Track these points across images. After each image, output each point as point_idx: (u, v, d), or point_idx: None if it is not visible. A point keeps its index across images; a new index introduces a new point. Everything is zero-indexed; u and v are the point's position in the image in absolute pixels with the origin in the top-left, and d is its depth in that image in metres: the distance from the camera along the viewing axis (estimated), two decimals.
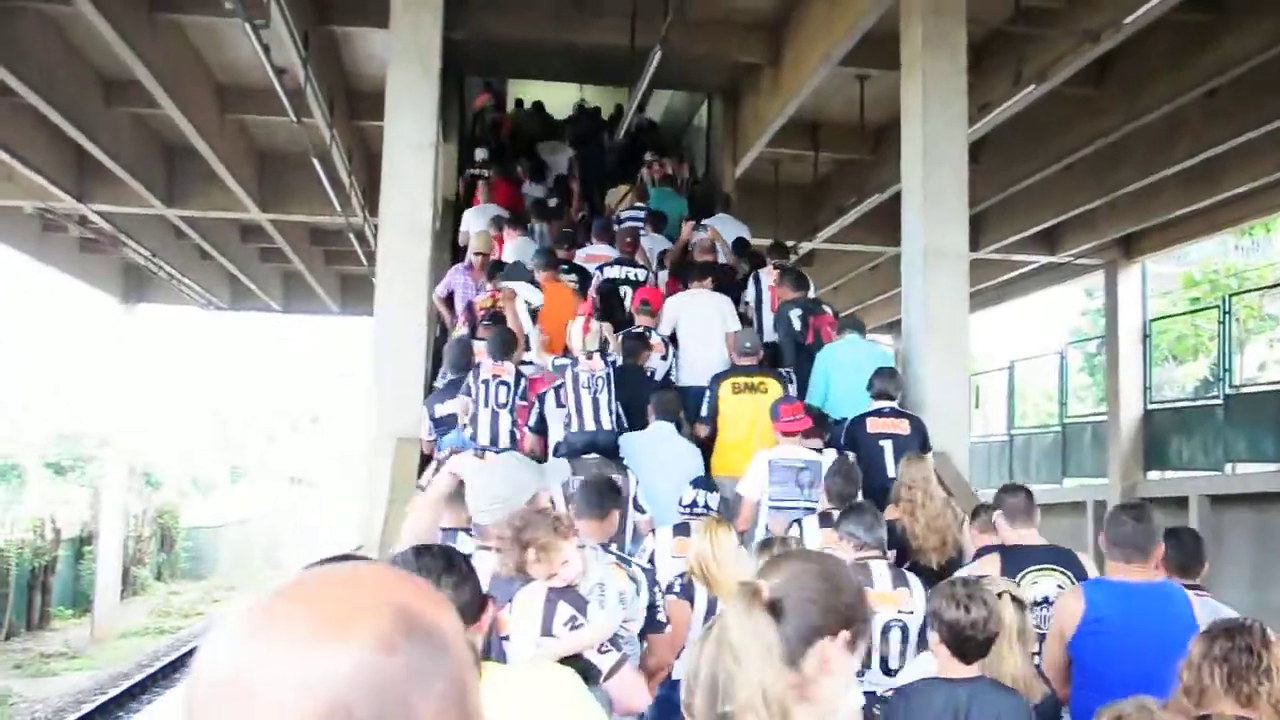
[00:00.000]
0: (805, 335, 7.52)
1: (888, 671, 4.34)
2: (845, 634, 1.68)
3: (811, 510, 5.65)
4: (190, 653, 18.07)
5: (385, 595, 0.76)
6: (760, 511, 5.89)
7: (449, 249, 10.56)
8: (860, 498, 5.39)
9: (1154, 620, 3.77)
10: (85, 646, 19.55)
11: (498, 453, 6.06)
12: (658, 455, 6.22)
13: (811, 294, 8.34)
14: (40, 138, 12.25)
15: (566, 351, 6.83)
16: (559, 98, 15.27)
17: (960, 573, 4.51)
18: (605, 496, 4.40)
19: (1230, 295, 15.40)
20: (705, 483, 5.51)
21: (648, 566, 4.37)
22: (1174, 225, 14.98)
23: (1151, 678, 3.24)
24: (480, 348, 7.03)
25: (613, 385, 6.42)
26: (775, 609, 1.65)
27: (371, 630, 0.73)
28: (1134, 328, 16.51)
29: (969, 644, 3.21)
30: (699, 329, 7.65)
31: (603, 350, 6.70)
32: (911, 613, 4.38)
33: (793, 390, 7.00)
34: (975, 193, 9.26)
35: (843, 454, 6.09)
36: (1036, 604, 4.37)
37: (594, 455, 5.98)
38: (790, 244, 12.37)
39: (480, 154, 12.06)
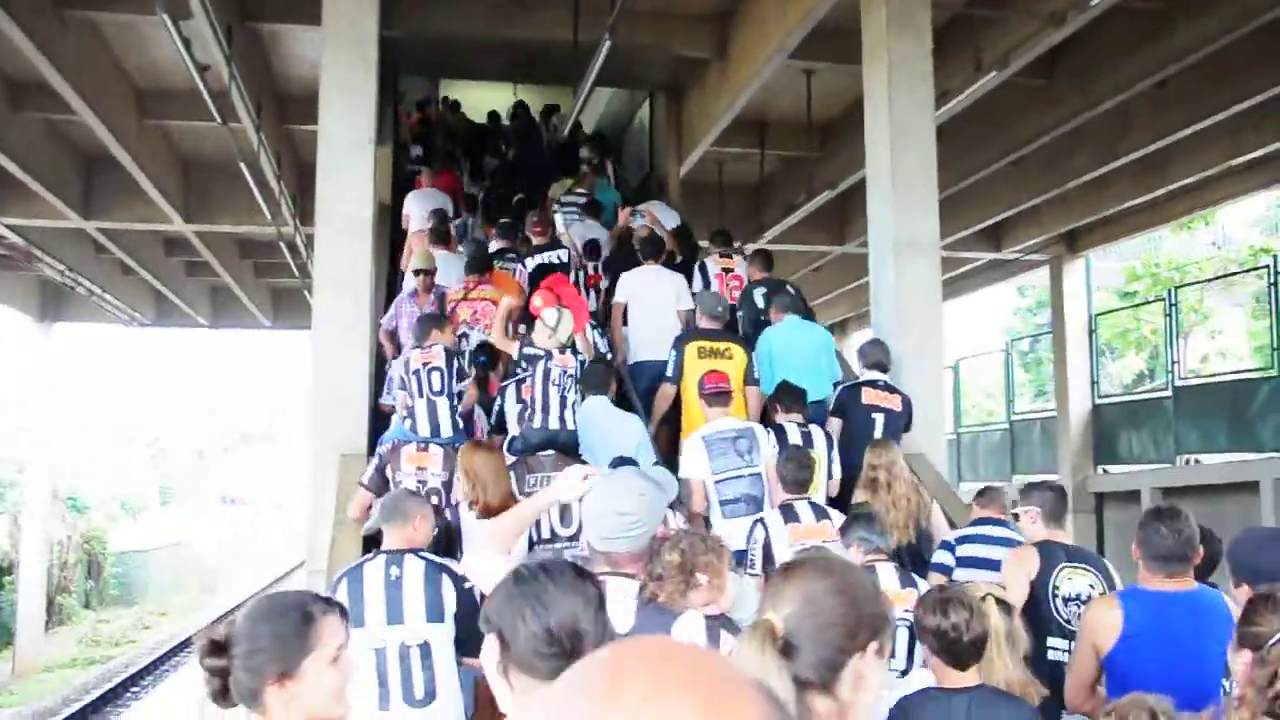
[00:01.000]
0: (767, 312, 7.42)
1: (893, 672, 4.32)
2: (874, 644, 1.61)
3: (758, 475, 5.74)
4: (124, 685, 17.51)
5: (743, 675, 0.75)
6: (708, 489, 5.80)
7: (388, 256, 10.05)
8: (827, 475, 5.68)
9: (1194, 631, 3.59)
10: (7, 681, 18.66)
11: (441, 444, 5.88)
12: (595, 433, 6.02)
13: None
14: None
15: (528, 340, 6.46)
16: (492, 100, 14.86)
17: (1004, 568, 4.64)
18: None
19: (1176, 288, 15.39)
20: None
21: None
22: (1120, 219, 14.96)
23: (1193, 690, 3.12)
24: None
25: (576, 384, 6.18)
26: (789, 650, 1.57)
27: (759, 713, 0.71)
28: (1080, 322, 16.49)
29: (956, 648, 3.13)
30: (653, 306, 7.57)
31: (574, 348, 6.40)
32: None
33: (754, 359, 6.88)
34: None
35: (785, 441, 5.97)
36: (1069, 600, 4.42)
37: (549, 452, 5.71)
38: (736, 243, 12.05)
39: (416, 150, 11.69)
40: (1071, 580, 4.47)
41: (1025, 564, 4.49)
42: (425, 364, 6.24)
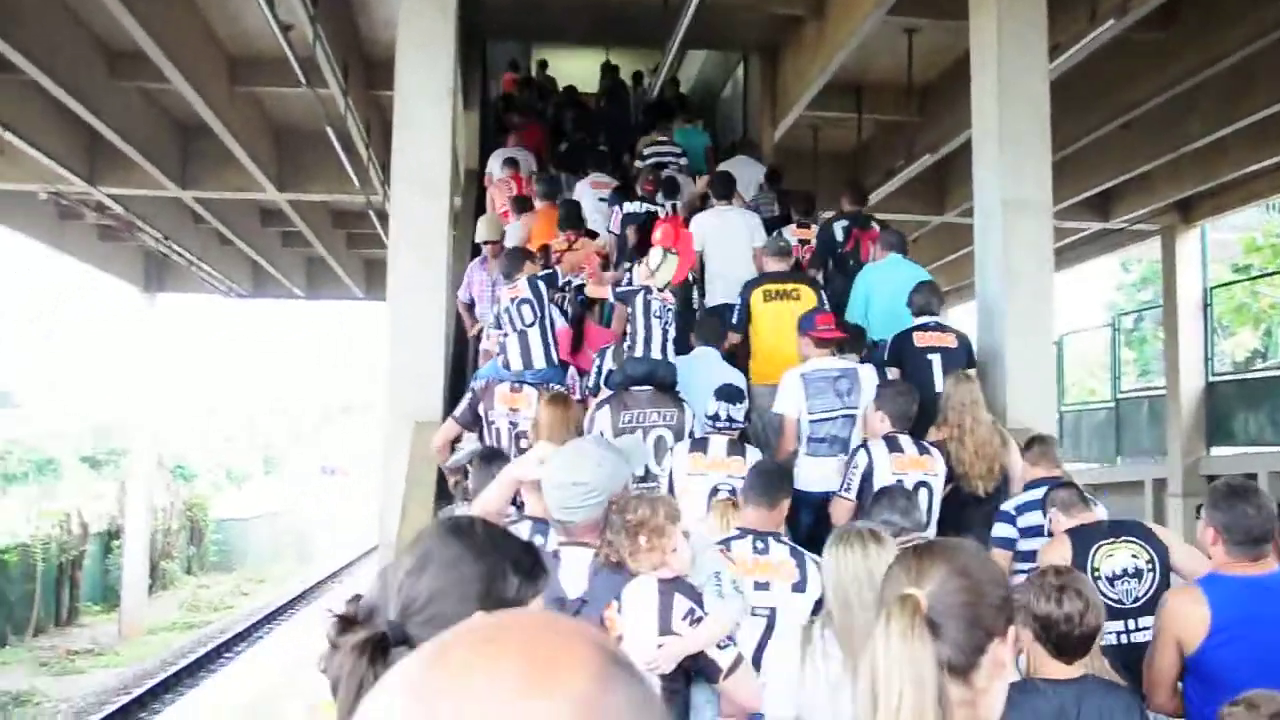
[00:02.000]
0: (845, 244, 7.31)
1: None
2: (1012, 630, 1.59)
3: (852, 418, 5.55)
4: (219, 650, 17.91)
5: (583, 638, 0.71)
6: (801, 426, 5.62)
7: (472, 221, 9.91)
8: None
9: None
10: (113, 643, 19.23)
11: (535, 383, 5.81)
12: (698, 381, 5.80)
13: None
14: (46, 116, 11.70)
15: (630, 280, 6.34)
16: (583, 66, 14.66)
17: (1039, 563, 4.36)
18: (775, 484, 4.11)
19: None
20: (731, 392, 5.20)
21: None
22: (1237, 186, 14.14)
23: None
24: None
25: (677, 321, 6.05)
26: (933, 628, 1.51)
27: (588, 676, 0.67)
28: (1193, 297, 15.71)
29: (1066, 641, 2.92)
30: (727, 246, 7.39)
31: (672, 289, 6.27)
32: None
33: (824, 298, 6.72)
34: None
35: (890, 372, 5.90)
36: (1114, 579, 4.22)
37: (647, 387, 5.48)
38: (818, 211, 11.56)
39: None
40: (1113, 557, 4.26)
41: (1058, 552, 4.26)
42: (514, 298, 6.16)
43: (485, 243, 7.79)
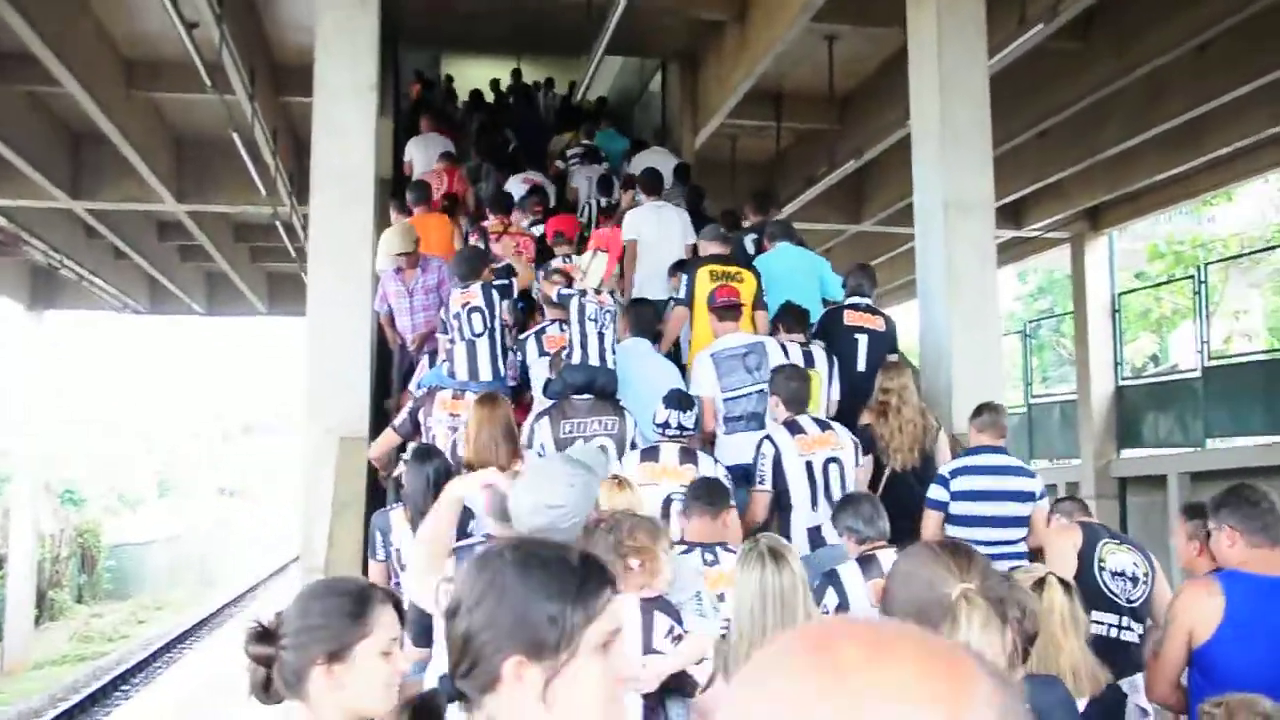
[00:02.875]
0: (755, 256, 7.36)
1: None
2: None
3: (765, 391, 5.57)
4: (115, 682, 17.00)
5: (954, 645, 0.73)
6: (717, 405, 5.70)
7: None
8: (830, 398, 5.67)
9: None
10: None
11: (477, 389, 5.58)
12: (633, 374, 5.81)
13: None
14: None
15: (569, 283, 6.21)
16: (493, 76, 14.37)
17: (1049, 542, 4.55)
18: (718, 491, 4.04)
19: (1206, 265, 14.85)
20: (681, 399, 5.12)
21: None
22: (1148, 193, 14.41)
23: None
24: None
25: (615, 323, 5.87)
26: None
27: (978, 672, 0.67)
28: (1103, 302, 15.98)
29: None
30: (663, 244, 7.40)
31: (611, 291, 6.17)
32: None
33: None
34: None
35: (788, 360, 5.84)
36: (1117, 574, 4.31)
37: (587, 396, 5.42)
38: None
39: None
40: (1116, 555, 4.34)
41: (1071, 536, 4.38)
42: (465, 304, 5.98)
43: (400, 254, 7.13)
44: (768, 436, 5.22)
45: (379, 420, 6.83)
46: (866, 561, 4.16)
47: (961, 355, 6.39)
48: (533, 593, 1.42)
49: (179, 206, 13.61)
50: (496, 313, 6.02)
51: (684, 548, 3.87)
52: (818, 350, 6.02)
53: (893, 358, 6.06)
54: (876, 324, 6.33)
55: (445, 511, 3.03)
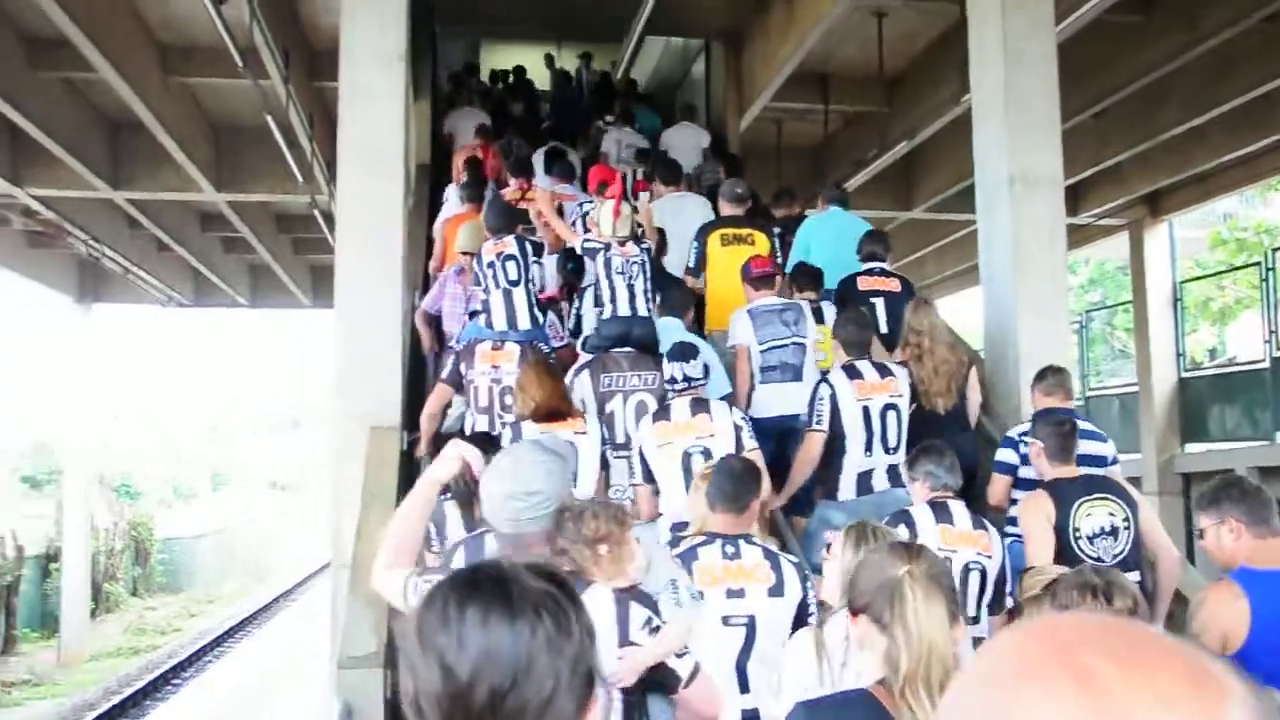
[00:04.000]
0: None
1: (966, 620, 3.99)
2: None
3: (802, 345, 5.70)
4: (165, 676, 17.06)
5: (1196, 649, 0.69)
6: (753, 357, 5.74)
7: (425, 219, 9.28)
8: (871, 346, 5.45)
9: None
10: (52, 672, 18.25)
11: (519, 340, 5.65)
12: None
13: None
14: None
15: (588, 235, 6.18)
16: (531, 64, 14.17)
17: (1021, 519, 4.47)
18: (744, 485, 3.75)
19: (1275, 251, 14.24)
20: (684, 350, 4.98)
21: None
22: (1208, 178, 13.86)
23: None
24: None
25: (649, 272, 5.81)
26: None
27: (1232, 682, 0.66)
28: (1163, 291, 15.44)
29: None
30: (682, 232, 7.24)
31: (637, 238, 5.96)
32: (990, 557, 4.19)
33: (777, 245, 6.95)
34: None
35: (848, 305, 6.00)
36: (1095, 537, 4.29)
37: (628, 350, 5.40)
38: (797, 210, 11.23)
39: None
40: (1091, 516, 4.32)
41: (1042, 509, 4.31)
42: (499, 254, 5.95)
43: (464, 253, 6.86)
44: (825, 379, 5.23)
45: (414, 410, 6.60)
46: (938, 506, 4.20)
47: (1029, 340, 6.00)
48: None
49: (218, 196, 13.51)
50: (529, 263, 5.97)
51: (703, 538, 3.72)
52: (828, 308, 6.10)
53: (917, 300, 6.02)
54: (892, 286, 6.34)
55: (426, 499, 2.97)
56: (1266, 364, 13.41)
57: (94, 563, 22.28)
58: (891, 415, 5.11)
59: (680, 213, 7.53)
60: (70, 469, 21.28)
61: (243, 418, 49.49)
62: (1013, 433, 5.15)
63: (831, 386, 5.14)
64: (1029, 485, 4.82)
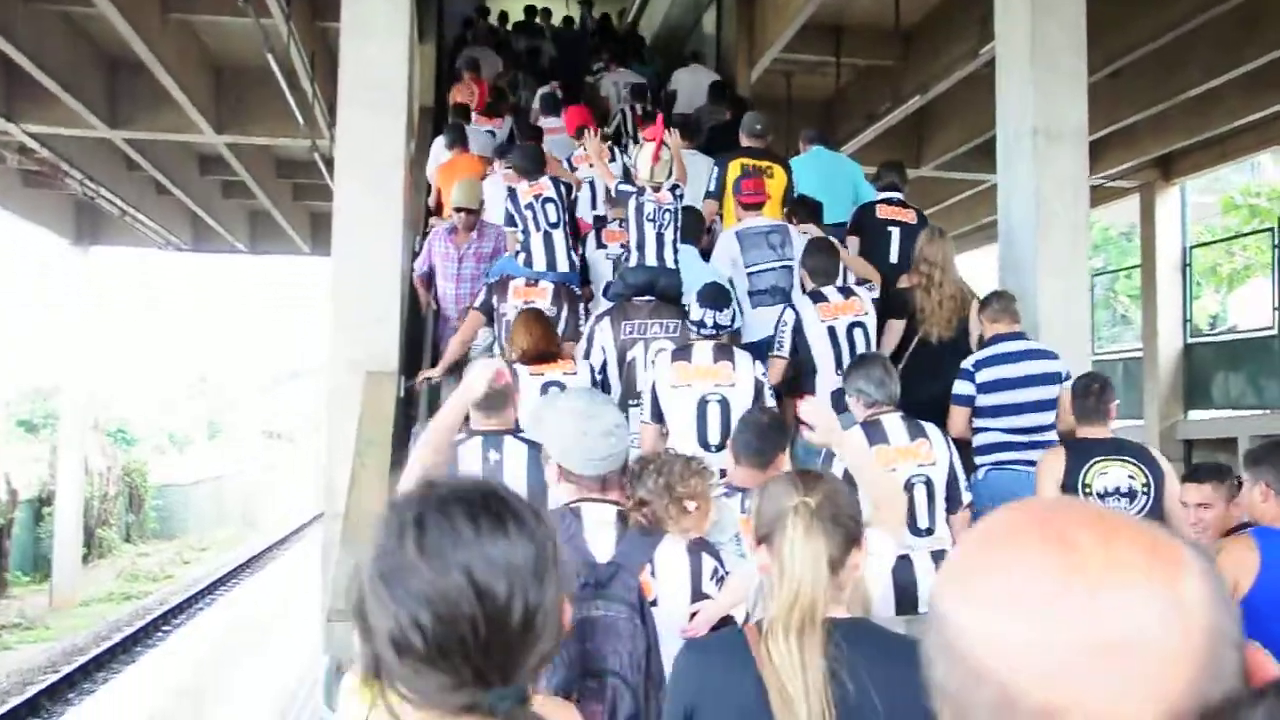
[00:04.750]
0: None
1: (917, 531, 4.17)
2: (864, 542, 2.14)
3: (790, 268, 5.76)
4: (156, 623, 17.03)
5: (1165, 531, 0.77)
6: (739, 280, 5.81)
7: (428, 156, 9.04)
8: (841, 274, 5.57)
9: None
10: (43, 615, 18.21)
11: (554, 279, 5.75)
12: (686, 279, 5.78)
13: None
14: None
15: (628, 179, 5.91)
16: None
17: (1036, 475, 4.52)
18: (768, 438, 3.68)
19: None
20: (716, 294, 4.82)
21: None
22: (1222, 141, 13.63)
23: None
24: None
25: (679, 222, 5.64)
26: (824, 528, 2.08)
27: (1192, 556, 0.75)
28: (1173, 256, 15.25)
29: None
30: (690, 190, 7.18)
31: (674, 186, 5.75)
32: (934, 464, 4.23)
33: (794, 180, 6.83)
34: None
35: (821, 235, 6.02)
36: (1107, 495, 4.31)
37: (649, 298, 5.34)
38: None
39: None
40: (1106, 474, 4.34)
41: (1053, 468, 4.40)
42: (537, 195, 6.01)
43: (460, 210, 6.51)
44: (790, 305, 5.36)
45: (412, 356, 6.44)
46: (871, 426, 4.23)
47: (1050, 303, 5.83)
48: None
49: (218, 138, 13.28)
50: (565, 205, 6.05)
51: (724, 490, 3.65)
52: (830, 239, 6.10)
53: (933, 229, 6.04)
54: (908, 217, 6.36)
55: (454, 408, 3.04)
56: (1275, 331, 13.27)
57: (87, 508, 22.22)
58: (859, 332, 5.21)
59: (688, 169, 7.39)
60: (66, 413, 21.15)
61: (241, 366, 49.32)
62: (967, 363, 5.21)
63: (796, 312, 5.25)
64: (989, 413, 5.08)
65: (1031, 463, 4.84)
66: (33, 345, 32.74)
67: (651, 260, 5.47)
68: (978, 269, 15.34)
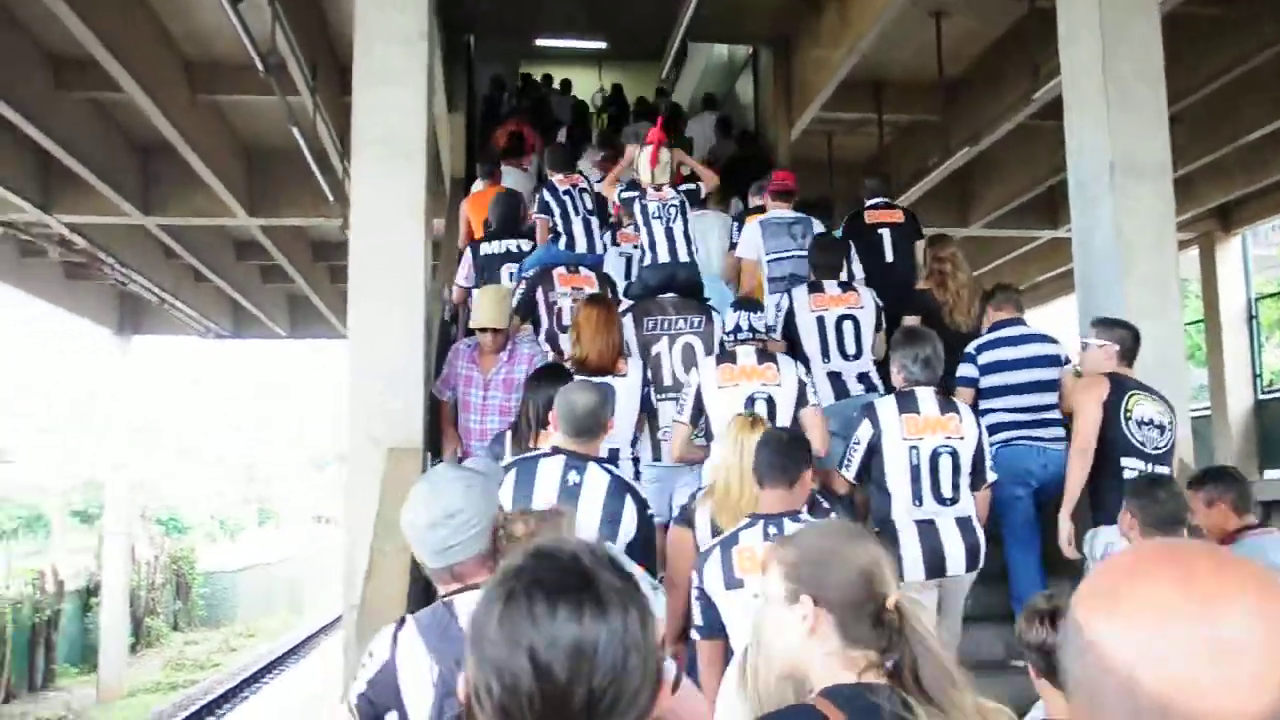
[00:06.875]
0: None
1: (941, 500, 4.31)
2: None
3: (804, 258, 5.97)
4: (200, 713, 16.64)
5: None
6: (761, 268, 6.20)
7: (457, 241, 8.76)
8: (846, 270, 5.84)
9: None
10: (89, 709, 17.90)
11: (591, 261, 6.00)
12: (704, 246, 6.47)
13: None
14: None
15: (633, 184, 6.00)
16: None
17: (1075, 393, 4.80)
18: (791, 457, 3.51)
19: None
20: (746, 303, 5.03)
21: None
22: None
23: None
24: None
25: (688, 214, 5.75)
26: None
27: None
28: (1237, 309, 14.64)
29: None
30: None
31: (675, 184, 5.95)
32: (962, 438, 4.36)
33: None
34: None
35: (826, 230, 6.41)
36: (1144, 423, 4.52)
37: (671, 295, 5.46)
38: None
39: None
40: (1142, 405, 4.54)
41: (1096, 388, 4.56)
42: (574, 184, 6.25)
43: (483, 330, 5.50)
44: (787, 292, 5.61)
45: (437, 432, 6.02)
46: (904, 396, 4.41)
47: (1141, 350, 5.31)
48: None
49: (250, 220, 13.16)
50: (595, 199, 6.35)
51: (747, 520, 3.48)
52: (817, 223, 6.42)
53: (935, 235, 6.49)
54: (896, 217, 6.66)
55: None
56: None
57: (134, 597, 22.03)
58: (848, 324, 5.40)
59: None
60: (111, 502, 21.03)
61: (287, 451, 49.40)
62: (970, 348, 5.38)
63: (791, 299, 5.50)
64: (993, 393, 5.23)
65: (1038, 439, 5.12)
66: (79, 436, 32.96)
67: (664, 256, 5.58)
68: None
